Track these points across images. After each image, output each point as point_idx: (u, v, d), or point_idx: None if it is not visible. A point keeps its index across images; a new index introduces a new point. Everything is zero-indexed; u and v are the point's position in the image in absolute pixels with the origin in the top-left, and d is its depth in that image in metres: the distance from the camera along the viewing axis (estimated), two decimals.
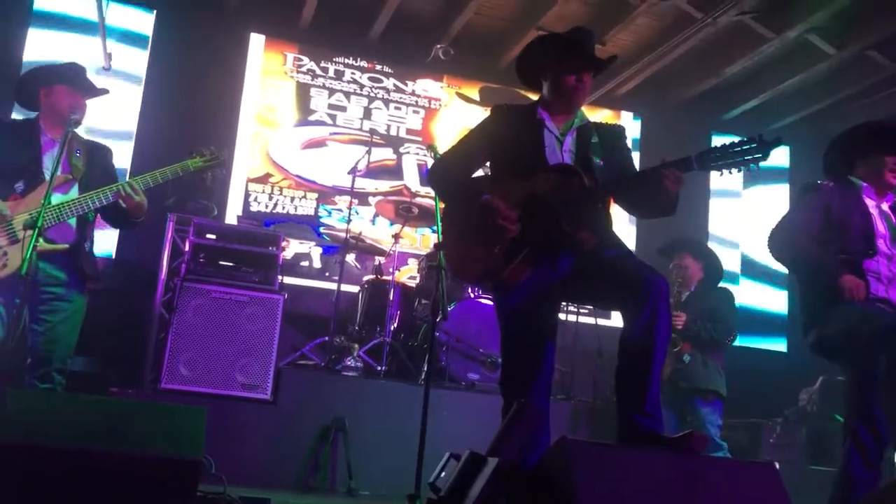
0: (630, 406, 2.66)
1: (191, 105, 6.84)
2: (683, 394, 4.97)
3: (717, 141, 7.53)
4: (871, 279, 3.36)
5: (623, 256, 2.90)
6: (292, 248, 7.08)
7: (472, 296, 5.78)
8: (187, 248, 5.08)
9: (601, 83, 7.60)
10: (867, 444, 3.29)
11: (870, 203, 3.50)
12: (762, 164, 2.67)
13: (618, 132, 3.17)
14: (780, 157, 8.71)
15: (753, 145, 2.64)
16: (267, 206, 7.21)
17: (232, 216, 6.83)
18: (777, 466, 2.32)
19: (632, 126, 8.21)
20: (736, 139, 2.69)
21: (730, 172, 2.69)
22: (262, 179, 7.24)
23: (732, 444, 5.46)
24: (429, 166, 7.46)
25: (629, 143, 3.18)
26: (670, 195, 2.83)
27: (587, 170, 2.92)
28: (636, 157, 3.22)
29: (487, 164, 3.21)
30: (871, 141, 3.56)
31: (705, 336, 4.98)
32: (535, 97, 3.20)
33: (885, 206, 3.52)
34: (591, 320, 6.21)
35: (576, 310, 6.27)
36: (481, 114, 7.45)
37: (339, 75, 7.65)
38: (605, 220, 3.00)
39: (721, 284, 5.32)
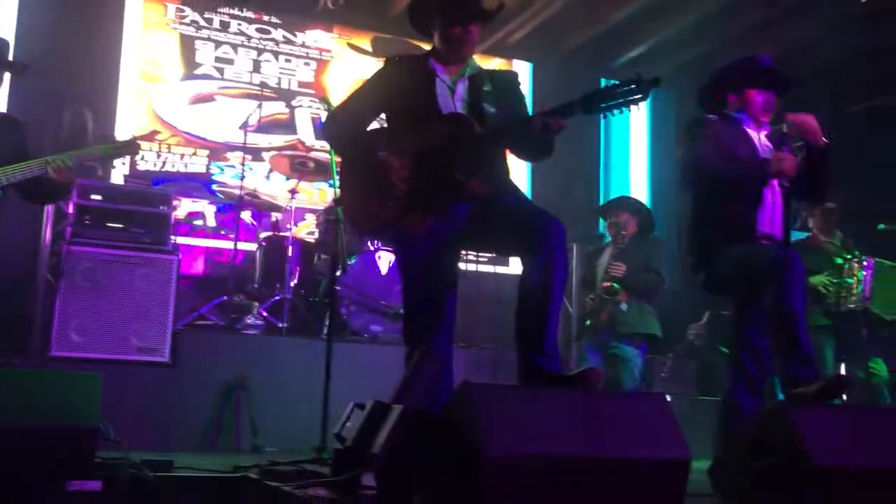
0: (529, 348, 2.73)
1: (66, 62, 6.48)
2: (619, 337, 5.45)
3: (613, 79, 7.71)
4: (759, 214, 3.51)
5: (520, 202, 2.95)
6: (184, 206, 6.86)
7: (371, 248, 5.76)
8: (71, 209, 4.86)
9: (492, 32, 7.60)
10: (752, 373, 3.49)
11: (752, 134, 3.63)
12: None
13: (511, 79, 3.20)
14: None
15: (633, 86, 2.71)
16: (155, 165, 6.95)
17: (118, 176, 6.55)
18: (668, 398, 2.44)
19: (524, 74, 8.27)
20: (616, 82, 2.75)
21: (612, 115, 2.75)
22: (149, 137, 6.94)
23: None
24: (323, 120, 7.36)
25: (522, 90, 3.21)
26: (551, 141, 2.90)
27: (479, 118, 2.94)
28: (530, 105, 3.25)
29: (382, 115, 3.20)
30: (737, 77, 3.69)
31: (641, 285, 5.43)
32: (428, 47, 3.19)
33: (763, 137, 3.66)
34: (490, 268, 6.32)
35: (475, 258, 6.35)
36: (374, 65, 7.35)
37: (224, 26, 7.39)
38: (501, 168, 3.03)
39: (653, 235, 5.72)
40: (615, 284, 5.42)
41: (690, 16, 7.48)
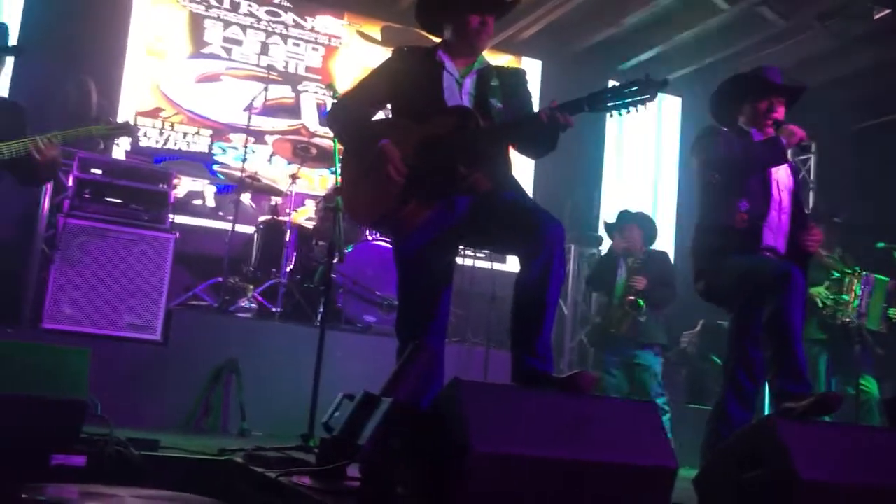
0: (522, 348, 2.72)
1: (74, 34, 6.45)
2: (641, 346, 5.68)
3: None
4: (764, 228, 3.51)
5: (520, 200, 2.93)
6: (184, 185, 6.85)
7: (369, 238, 5.75)
8: (71, 182, 4.84)
9: (503, 28, 7.58)
10: (744, 385, 3.49)
11: None
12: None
13: (518, 75, 3.19)
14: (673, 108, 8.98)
15: (641, 86, 2.69)
16: (157, 142, 6.92)
17: (120, 151, 6.53)
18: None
19: (533, 72, 8.25)
20: (625, 81, 2.74)
21: (619, 114, 2.74)
22: (153, 113, 6.94)
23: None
24: (328, 106, 7.33)
25: (530, 88, 3.19)
26: (555, 137, 2.88)
27: (485, 112, 2.93)
28: (537, 103, 3.24)
29: (388, 106, 3.18)
30: (745, 90, 3.69)
31: (658, 297, 5.64)
32: (437, 40, 3.17)
33: None
34: (486, 264, 6.31)
35: (472, 254, 6.33)
36: (383, 54, 7.33)
37: (234, 7, 7.35)
38: (503, 164, 3.02)
39: (655, 247, 5.97)
40: (640, 301, 5.64)
41: (701, 24, 7.46)
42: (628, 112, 2.73)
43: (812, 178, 7.85)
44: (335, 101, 3.31)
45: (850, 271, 5.48)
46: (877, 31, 6.92)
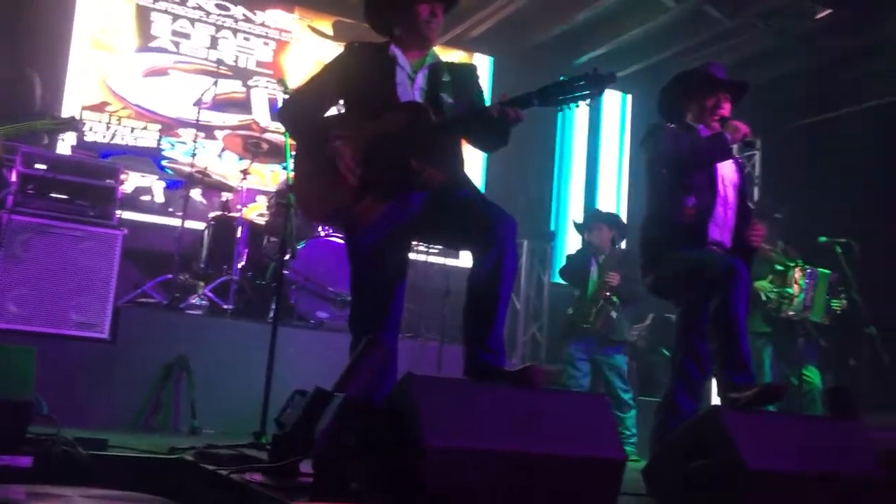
0: (475, 343, 2.74)
1: (16, 25, 6.30)
2: (610, 344, 5.86)
3: None
4: (710, 223, 3.59)
5: (472, 196, 2.95)
6: (132, 181, 6.74)
7: (321, 234, 5.73)
8: (14, 178, 4.73)
9: (454, 24, 7.60)
10: (692, 376, 3.56)
11: None
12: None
13: (469, 71, 3.21)
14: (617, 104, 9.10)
15: (589, 81, 2.72)
16: (104, 137, 6.79)
17: (65, 146, 6.39)
18: (608, 398, 2.49)
19: (485, 68, 8.28)
20: (574, 75, 2.76)
21: (568, 108, 2.76)
22: (99, 108, 6.80)
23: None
24: (279, 101, 7.26)
25: (481, 84, 3.21)
26: (507, 131, 2.90)
27: (437, 107, 2.94)
28: (488, 99, 3.26)
29: (340, 101, 3.17)
30: (692, 86, 3.76)
31: (628, 294, 5.75)
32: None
33: None
34: (440, 260, 6.33)
35: (425, 249, 6.35)
36: (335, 49, 7.29)
37: (182, 0, 7.25)
38: (456, 159, 3.03)
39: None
40: (615, 297, 5.81)
41: (651, 22, 7.56)
42: (577, 106, 2.76)
43: (757, 173, 8.03)
44: (287, 97, 3.29)
45: (792, 264, 5.62)
46: (818, 30, 7.09)
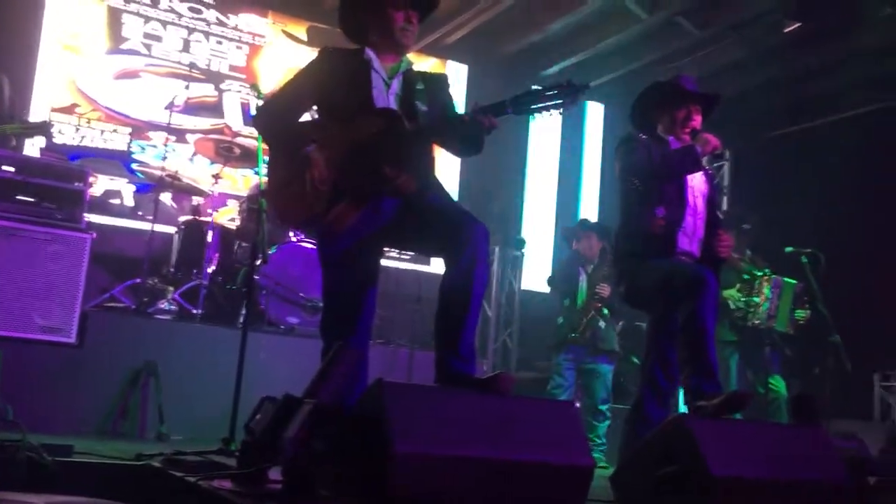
0: (446, 349, 2.75)
1: None
2: (597, 353, 5.93)
3: None
4: (679, 233, 3.63)
5: (445, 202, 2.96)
6: (101, 184, 6.67)
7: (293, 239, 5.71)
8: None
9: (429, 31, 7.62)
10: (661, 384, 3.60)
11: None
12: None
13: (441, 80, 3.22)
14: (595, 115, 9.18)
15: (562, 90, 2.74)
16: (73, 139, 6.72)
17: (33, 148, 6.31)
18: (578, 406, 2.52)
19: (459, 76, 8.31)
20: (548, 85, 2.78)
21: (541, 115, 2.77)
22: (68, 110, 6.74)
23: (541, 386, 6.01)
24: (252, 106, 7.23)
25: (452, 93, 3.22)
26: (482, 138, 2.91)
27: (411, 114, 2.94)
28: (462, 107, 3.27)
29: (314, 107, 3.17)
30: (663, 98, 3.81)
31: (616, 305, 5.81)
32: None
33: None
34: (412, 266, 6.34)
35: (397, 256, 6.36)
36: (308, 54, 7.28)
37: (154, 2, 7.19)
38: (428, 166, 3.04)
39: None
40: (605, 309, 5.90)
41: (624, 33, 7.64)
42: (550, 115, 2.77)
43: (726, 184, 8.13)
44: (261, 103, 3.27)
45: (760, 273, 5.69)
46: (787, 42, 7.21)
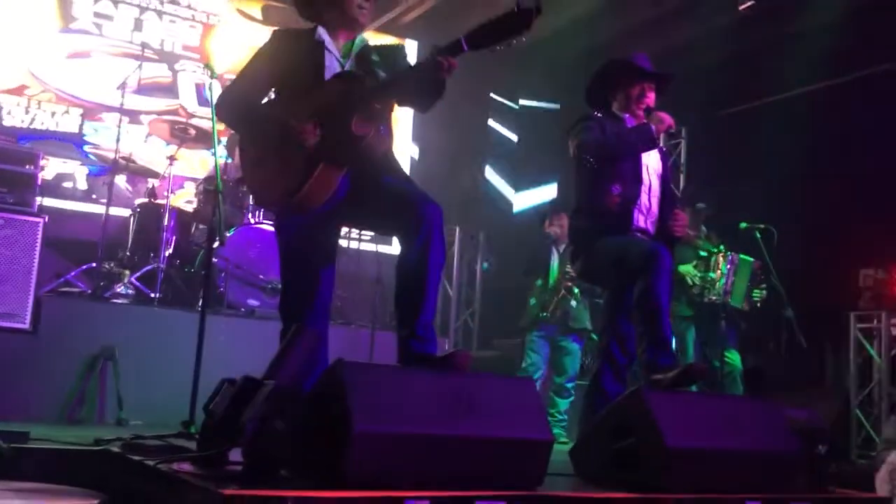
0: (405, 329, 2.76)
1: None
2: (568, 332, 6.01)
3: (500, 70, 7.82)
4: (635, 211, 3.67)
5: (400, 181, 2.96)
6: (53, 167, 6.54)
7: (251, 222, 5.66)
8: None
9: (386, 8, 7.57)
10: (618, 359, 3.66)
11: None
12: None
13: (398, 49, 3.20)
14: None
15: (513, 16, 2.65)
16: (23, 121, 6.58)
17: None
18: (537, 381, 2.55)
19: (414, 55, 8.27)
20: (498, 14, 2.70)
21: (499, 48, 2.71)
22: (17, 91, 6.58)
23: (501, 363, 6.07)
24: (206, 86, 7.13)
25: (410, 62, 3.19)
26: (442, 82, 2.87)
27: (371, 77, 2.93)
28: None
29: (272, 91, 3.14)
30: (617, 76, 3.84)
31: (588, 285, 5.67)
32: None
33: None
34: (371, 247, 6.33)
35: (357, 236, 6.34)
36: (264, 33, 7.18)
37: None
38: (386, 142, 3.02)
39: None
40: (575, 289, 5.93)
41: (578, 9, 7.64)
42: (508, 45, 2.72)
43: (682, 161, 8.22)
44: (220, 95, 3.23)
45: (715, 250, 5.79)
46: (742, 20, 7.28)
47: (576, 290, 5.96)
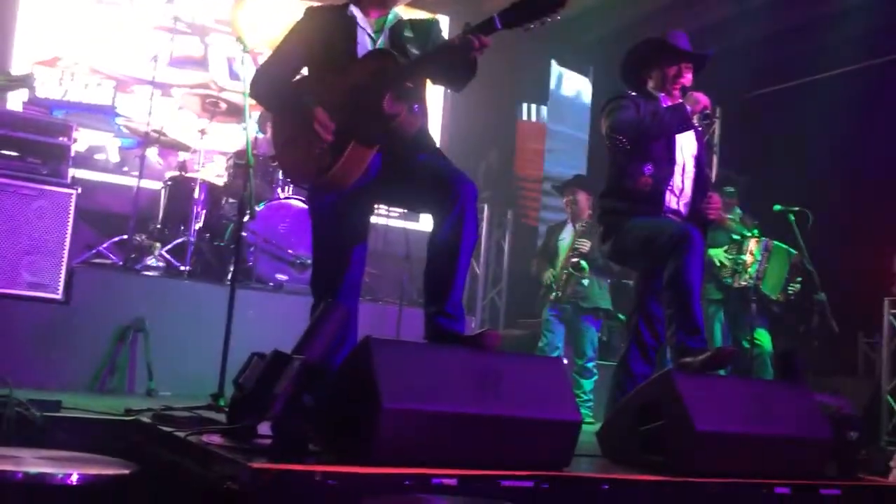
0: (434, 307, 2.75)
1: None
2: (582, 312, 5.87)
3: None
4: (666, 192, 3.62)
5: (435, 159, 2.95)
6: (85, 139, 6.59)
7: (281, 196, 5.67)
8: None
9: None
10: (646, 340, 3.64)
11: None
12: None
13: (432, 24, 3.18)
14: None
15: None
16: (56, 93, 6.62)
17: (16, 102, 6.22)
18: (565, 361, 2.53)
19: (443, 28, 8.20)
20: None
21: (532, 27, 2.67)
22: (50, 62, 6.62)
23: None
24: (237, 60, 7.13)
25: (445, 37, 3.16)
26: (474, 61, 2.84)
27: (403, 55, 2.91)
28: None
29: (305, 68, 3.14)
30: (653, 55, 3.78)
31: (602, 262, 5.58)
32: None
33: None
34: (400, 224, 6.33)
35: (386, 213, 6.34)
36: (296, 5, 7.16)
37: None
38: (423, 118, 3.01)
39: None
40: (583, 262, 5.76)
41: None
42: (542, 24, 2.68)
43: (715, 142, 8.10)
44: (255, 73, 3.23)
45: (748, 234, 5.70)
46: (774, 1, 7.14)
47: (584, 265, 5.75)
